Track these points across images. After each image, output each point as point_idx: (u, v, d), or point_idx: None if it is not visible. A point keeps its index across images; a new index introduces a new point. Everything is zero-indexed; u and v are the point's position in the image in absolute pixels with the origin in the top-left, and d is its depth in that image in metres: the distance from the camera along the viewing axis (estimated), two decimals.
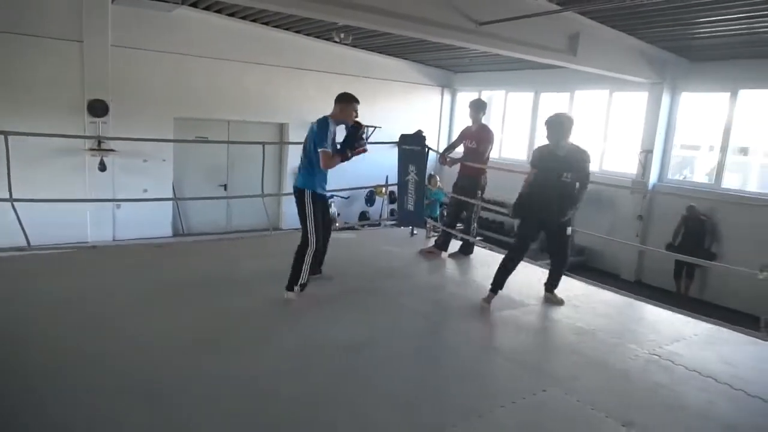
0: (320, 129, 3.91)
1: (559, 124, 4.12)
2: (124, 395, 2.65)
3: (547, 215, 4.19)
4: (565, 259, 4.53)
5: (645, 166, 9.47)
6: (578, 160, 4.12)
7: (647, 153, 9.45)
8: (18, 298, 3.79)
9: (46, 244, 4.86)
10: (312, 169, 3.98)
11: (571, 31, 7.51)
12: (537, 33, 7.12)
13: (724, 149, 8.84)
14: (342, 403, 2.76)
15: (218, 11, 9.30)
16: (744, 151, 9.22)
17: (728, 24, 6.89)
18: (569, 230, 4.39)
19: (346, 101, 4.05)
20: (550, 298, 4.48)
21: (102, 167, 8.82)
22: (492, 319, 4.11)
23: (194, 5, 8.87)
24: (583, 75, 9.07)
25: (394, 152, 6.20)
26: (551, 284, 4.53)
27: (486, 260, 5.79)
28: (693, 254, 6.59)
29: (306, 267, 3.97)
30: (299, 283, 3.98)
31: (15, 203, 4.38)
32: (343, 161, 4.02)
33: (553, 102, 11.11)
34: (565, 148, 4.10)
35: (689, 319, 4.36)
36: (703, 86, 9.09)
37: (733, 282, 7.86)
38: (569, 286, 5.02)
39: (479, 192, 5.56)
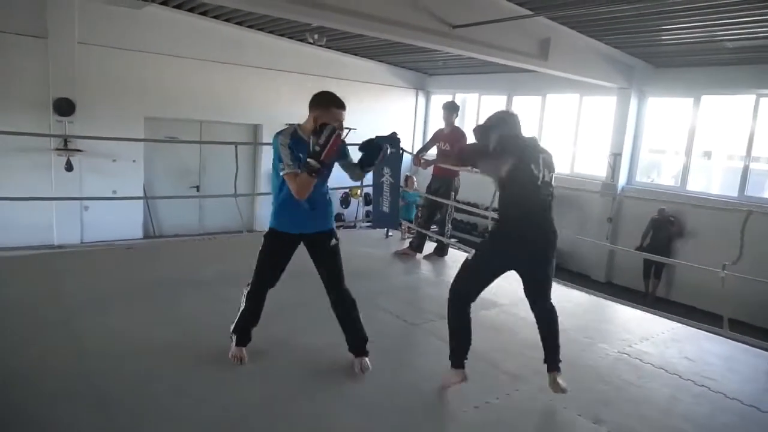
0: (278, 146, 2.80)
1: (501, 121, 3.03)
2: (71, 400, 2.58)
3: (530, 246, 2.84)
4: (555, 315, 3.05)
5: (614, 168, 9.69)
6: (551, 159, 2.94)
7: (616, 156, 9.68)
8: None
9: (8, 245, 4.71)
10: (274, 197, 2.98)
11: (542, 35, 7.65)
12: (509, 37, 7.23)
13: (688, 153, 9.13)
14: (305, 405, 2.74)
15: (190, 10, 9.15)
16: (707, 154, 9.54)
17: (689, 31, 7.12)
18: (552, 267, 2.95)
19: (323, 106, 2.86)
20: (556, 384, 2.89)
21: (69, 167, 8.59)
22: None
23: (164, 3, 8.72)
24: (555, 79, 9.24)
25: None
26: (553, 359, 2.96)
27: (460, 261, 5.84)
28: (661, 255, 6.77)
29: (239, 311, 3.06)
30: (231, 330, 3.08)
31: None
32: (316, 175, 2.70)
33: (526, 105, 11.30)
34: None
35: (657, 317, 4.48)
36: (669, 91, 9.36)
37: (697, 282, 8.11)
38: None
39: (453, 194, 5.61)
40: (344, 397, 2.85)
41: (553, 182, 2.89)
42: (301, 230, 2.95)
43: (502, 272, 2.95)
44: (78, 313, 3.59)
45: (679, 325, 4.34)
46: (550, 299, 3.01)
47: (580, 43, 8.06)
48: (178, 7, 8.98)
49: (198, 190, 10.35)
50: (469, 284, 2.99)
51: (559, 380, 2.91)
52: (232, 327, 3.08)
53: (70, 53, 8.48)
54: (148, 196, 9.63)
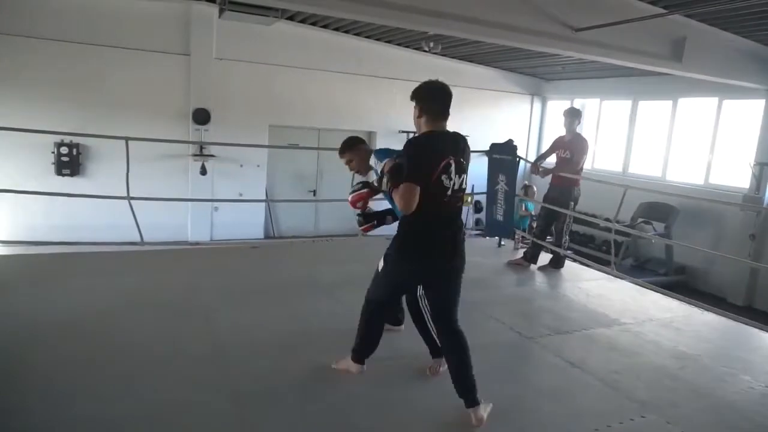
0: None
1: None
2: (207, 389, 2.80)
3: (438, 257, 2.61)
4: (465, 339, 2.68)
5: (759, 179, 8.66)
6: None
7: (762, 166, 8.65)
8: (121, 290, 4.15)
9: (153, 240, 5.28)
10: None
11: (676, 35, 7.07)
12: (638, 38, 6.77)
13: None
14: (421, 411, 2.75)
15: (313, 23, 9.68)
16: None
17: None
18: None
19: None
20: (479, 418, 2.56)
21: (203, 171, 9.44)
22: (583, 336, 3.93)
23: (291, 18, 9.29)
24: (688, 81, 8.49)
25: (480, 161, 6.12)
26: (469, 394, 2.60)
27: (577, 274, 5.58)
28: None
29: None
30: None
31: (132, 201, 4.79)
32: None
33: (654, 110, 10.50)
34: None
35: None
36: None
37: None
38: (668, 306, 4.72)
39: (572, 203, 5.36)
40: (452, 403, 2.82)
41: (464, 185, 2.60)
42: None
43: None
44: (213, 308, 3.91)
45: None
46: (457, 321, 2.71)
47: (721, 40, 7.33)
48: (303, 21, 9.53)
49: (315, 195, 10.86)
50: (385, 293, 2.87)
51: (482, 412, 2.57)
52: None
53: (208, 68, 9.34)
54: (269, 199, 10.30)
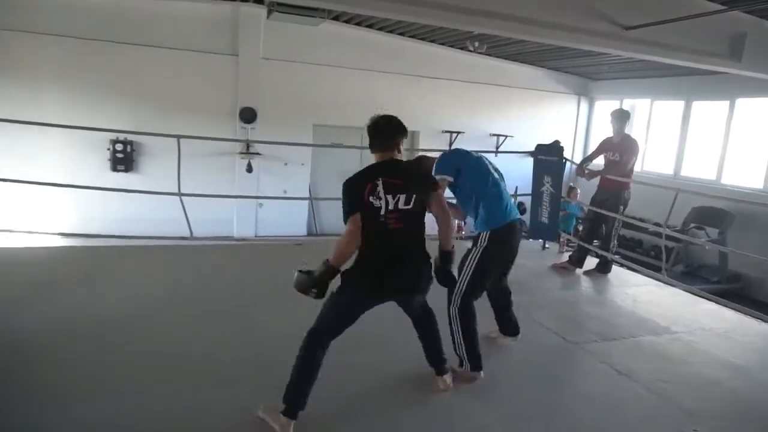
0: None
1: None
2: (251, 385, 2.87)
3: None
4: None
5: None
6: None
7: None
8: (171, 281, 4.29)
9: (200, 235, 5.46)
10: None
11: (734, 32, 6.75)
12: (693, 36, 6.50)
13: None
14: (460, 415, 2.74)
15: (357, 23, 9.75)
16: None
17: None
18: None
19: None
20: (447, 381, 2.92)
21: (249, 169, 9.67)
22: (631, 343, 3.82)
23: (336, 18, 9.39)
24: (748, 81, 8.10)
25: (524, 162, 6.06)
26: (438, 360, 2.92)
27: (626, 280, 5.44)
28: None
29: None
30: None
31: (182, 197, 4.96)
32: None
33: (709, 111, 10.08)
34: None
35: None
36: None
37: None
38: (721, 315, 4.54)
39: (621, 207, 5.22)
40: (495, 408, 2.81)
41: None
42: None
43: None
44: (257, 305, 4.00)
45: None
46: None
47: None
48: (347, 21, 9.62)
49: None
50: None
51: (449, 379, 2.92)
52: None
53: (255, 68, 9.55)
54: (313, 197, 10.44)
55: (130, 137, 8.75)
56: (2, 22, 7.91)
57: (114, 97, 8.69)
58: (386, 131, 2.62)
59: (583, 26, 5.95)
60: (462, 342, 2.94)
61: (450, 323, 2.95)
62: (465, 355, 2.95)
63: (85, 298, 3.84)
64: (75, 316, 3.52)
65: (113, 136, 8.60)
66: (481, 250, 3.01)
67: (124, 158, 8.89)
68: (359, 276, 2.51)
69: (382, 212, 2.48)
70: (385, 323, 3.04)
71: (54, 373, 2.82)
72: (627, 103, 11.44)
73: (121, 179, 8.67)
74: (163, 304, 3.84)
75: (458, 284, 2.90)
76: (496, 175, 3.17)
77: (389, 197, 2.49)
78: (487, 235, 3.02)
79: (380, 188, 2.49)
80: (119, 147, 8.81)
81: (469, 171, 3.08)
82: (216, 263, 5.03)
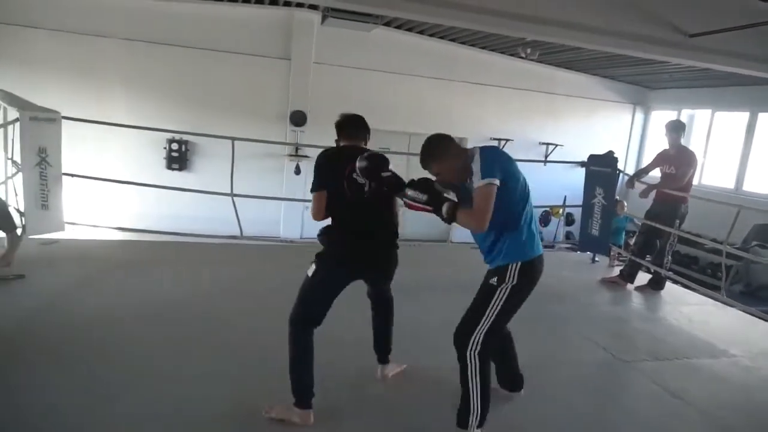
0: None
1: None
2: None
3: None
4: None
5: None
6: None
7: None
8: (221, 279, 4.40)
9: (248, 235, 5.60)
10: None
11: None
12: (761, 44, 6.19)
13: None
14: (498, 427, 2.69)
15: (408, 29, 9.78)
16: None
17: None
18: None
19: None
20: (387, 370, 2.97)
21: (297, 171, 9.83)
22: (685, 364, 3.65)
23: (387, 24, 9.44)
24: None
25: (573, 172, 5.92)
26: (387, 349, 2.98)
27: (680, 298, 5.21)
28: None
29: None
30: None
31: (234, 198, 5.10)
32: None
33: None
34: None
35: None
36: None
37: None
38: None
39: (677, 221, 5.02)
40: (541, 427, 2.74)
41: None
42: None
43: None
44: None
45: None
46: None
47: None
48: (399, 27, 9.66)
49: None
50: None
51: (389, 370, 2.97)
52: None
53: (306, 72, 9.72)
54: None
55: (185, 137, 9.06)
56: (72, 26, 8.36)
57: (172, 98, 9.04)
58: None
59: (645, 33, 5.75)
60: (479, 394, 2.40)
61: (466, 370, 2.40)
62: (479, 409, 2.40)
63: (140, 288, 4.01)
64: (131, 304, 3.69)
65: (169, 135, 8.93)
66: (510, 287, 2.38)
67: (178, 157, 9.23)
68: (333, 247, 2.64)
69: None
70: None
71: (111, 352, 2.99)
72: (686, 113, 11.01)
73: (175, 177, 8.99)
74: (217, 298, 3.96)
75: (480, 326, 2.39)
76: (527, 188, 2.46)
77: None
78: (518, 269, 2.37)
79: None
80: (175, 146, 9.15)
81: (513, 177, 2.36)
82: (265, 261, 5.13)
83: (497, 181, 2.24)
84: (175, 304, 3.78)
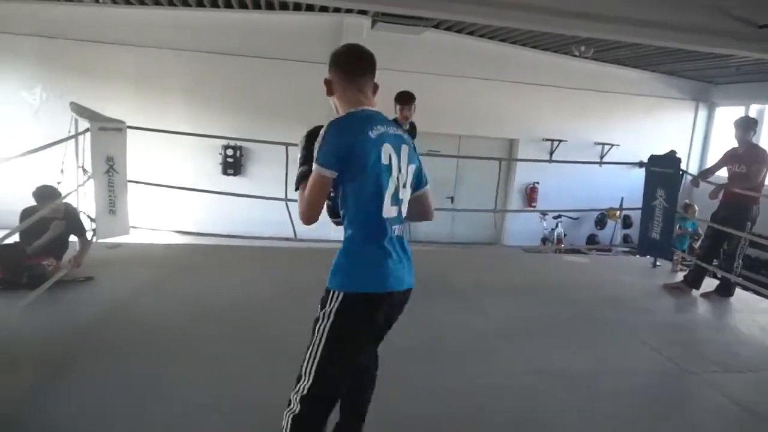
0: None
1: None
2: None
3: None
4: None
5: None
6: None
7: None
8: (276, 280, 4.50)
9: (304, 238, 5.72)
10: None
11: None
12: None
13: None
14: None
15: (458, 31, 9.70)
16: None
17: None
18: None
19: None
20: None
21: None
22: (758, 377, 3.44)
23: (436, 27, 9.40)
24: None
25: (631, 173, 5.71)
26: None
27: (751, 305, 4.92)
28: None
29: None
30: None
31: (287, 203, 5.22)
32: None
33: None
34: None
35: None
36: None
37: None
38: None
39: (748, 224, 4.74)
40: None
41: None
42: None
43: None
44: None
45: None
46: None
47: None
48: (448, 29, 9.60)
49: (452, 201, 10.86)
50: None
51: None
52: None
53: None
54: None
55: (239, 143, 9.33)
56: (134, 40, 8.77)
57: (226, 106, 9.32)
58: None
59: (710, 26, 5.47)
60: None
61: None
62: None
63: (201, 289, 4.16)
64: (192, 304, 3.84)
65: (224, 141, 9.21)
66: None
67: (233, 163, 9.50)
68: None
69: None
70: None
71: (174, 350, 3.12)
72: (755, 109, 10.40)
73: (231, 182, 9.26)
74: (274, 300, 4.06)
75: None
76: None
77: None
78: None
79: None
80: (230, 152, 9.42)
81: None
82: (318, 264, 5.21)
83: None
84: (234, 306, 3.89)
